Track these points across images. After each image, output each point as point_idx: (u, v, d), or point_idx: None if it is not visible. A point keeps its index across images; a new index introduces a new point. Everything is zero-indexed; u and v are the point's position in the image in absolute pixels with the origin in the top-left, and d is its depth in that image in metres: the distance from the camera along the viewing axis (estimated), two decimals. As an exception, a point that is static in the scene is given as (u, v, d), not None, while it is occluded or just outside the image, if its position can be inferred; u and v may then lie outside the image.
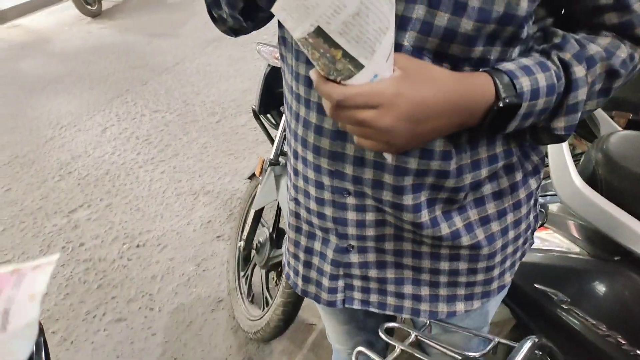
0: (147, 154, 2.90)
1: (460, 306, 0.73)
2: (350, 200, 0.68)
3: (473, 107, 0.53)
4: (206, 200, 2.48)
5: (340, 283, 0.75)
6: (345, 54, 0.45)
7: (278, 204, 1.60)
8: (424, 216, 0.65)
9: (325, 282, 0.76)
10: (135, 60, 4.26)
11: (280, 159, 1.57)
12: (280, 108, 1.62)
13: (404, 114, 0.49)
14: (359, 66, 0.46)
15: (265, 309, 1.66)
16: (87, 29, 5.19)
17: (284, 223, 1.75)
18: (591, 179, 0.94)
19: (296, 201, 0.76)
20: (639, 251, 0.91)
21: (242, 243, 1.71)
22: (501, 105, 0.53)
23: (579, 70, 0.56)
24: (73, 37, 4.98)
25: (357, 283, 0.75)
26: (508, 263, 0.74)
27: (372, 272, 0.73)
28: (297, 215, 0.77)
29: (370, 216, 0.68)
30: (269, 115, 1.78)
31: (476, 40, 0.54)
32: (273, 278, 1.75)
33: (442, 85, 0.52)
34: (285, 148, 1.60)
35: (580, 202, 0.93)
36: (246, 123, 3.13)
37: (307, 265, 0.79)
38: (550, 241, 1.00)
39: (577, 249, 0.97)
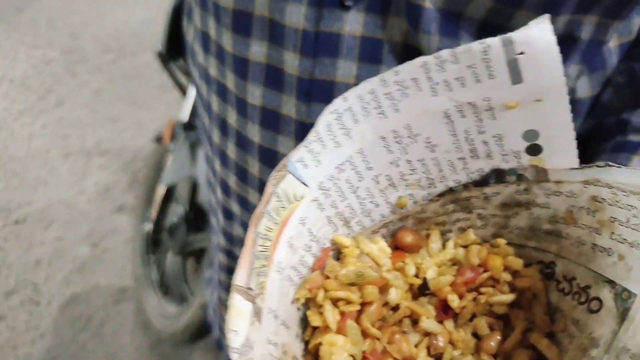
0: (24, 102, 2.38)
1: None
2: None
3: None
4: (102, 161, 2.07)
5: None
6: None
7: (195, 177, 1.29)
8: None
9: None
10: (4, -20, 3.50)
11: (197, 122, 1.23)
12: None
13: None
14: None
15: (185, 304, 1.37)
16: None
17: (203, 199, 1.45)
18: None
19: (229, 254, 0.48)
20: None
21: (150, 226, 1.38)
22: None
23: None
24: None
25: None
26: None
27: None
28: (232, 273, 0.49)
29: None
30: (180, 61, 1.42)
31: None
32: (193, 264, 1.46)
33: None
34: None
35: None
36: (150, 63, 2.66)
37: None
38: None
39: None
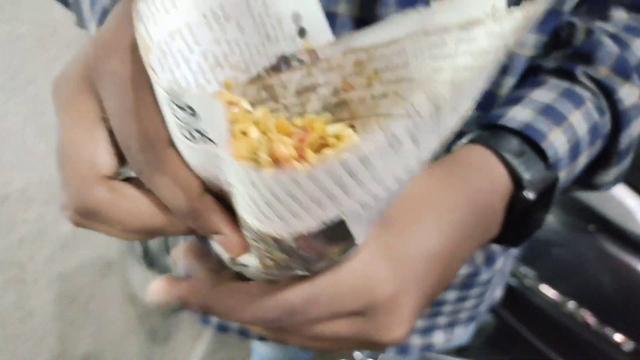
0: (-4, 80, 2.33)
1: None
2: None
3: (487, 220, 0.33)
4: (80, 137, 2.05)
5: None
6: (349, 245, 0.25)
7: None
8: None
9: None
10: (-35, -50, 3.35)
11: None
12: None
13: (413, 308, 0.28)
14: (350, 248, 0.26)
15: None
16: None
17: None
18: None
19: None
20: (616, 219, 0.78)
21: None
22: (529, 198, 0.32)
23: (629, 94, 0.35)
24: None
25: None
26: None
27: None
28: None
29: None
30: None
31: None
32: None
33: (445, 212, 0.30)
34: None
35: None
36: (122, 35, 2.61)
37: None
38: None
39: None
